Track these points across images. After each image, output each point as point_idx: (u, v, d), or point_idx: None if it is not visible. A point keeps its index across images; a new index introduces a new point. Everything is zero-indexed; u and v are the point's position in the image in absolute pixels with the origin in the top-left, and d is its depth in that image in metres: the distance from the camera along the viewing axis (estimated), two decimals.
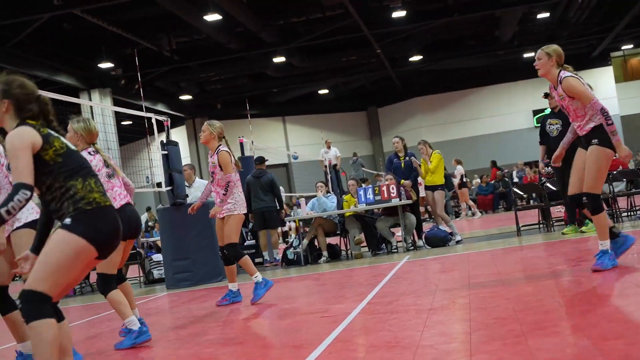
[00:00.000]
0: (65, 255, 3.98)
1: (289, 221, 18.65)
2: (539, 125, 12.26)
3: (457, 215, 26.02)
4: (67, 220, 4.03)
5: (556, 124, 11.36)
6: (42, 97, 4.36)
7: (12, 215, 3.91)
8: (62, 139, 4.26)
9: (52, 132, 4.23)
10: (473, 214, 24.82)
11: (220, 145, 8.44)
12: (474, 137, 37.71)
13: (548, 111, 11.87)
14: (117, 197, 6.66)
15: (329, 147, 24.87)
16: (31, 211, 5.66)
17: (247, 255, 8.43)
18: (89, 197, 4.09)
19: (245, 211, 8.50)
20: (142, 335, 6.25)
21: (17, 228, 5.59)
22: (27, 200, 3.93)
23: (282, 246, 16.08)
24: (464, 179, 24.49)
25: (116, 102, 27.52)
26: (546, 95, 11.57)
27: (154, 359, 5.66)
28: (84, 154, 6.47)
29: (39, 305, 3.95)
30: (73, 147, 4.27)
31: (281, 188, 15.99)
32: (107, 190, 6.40)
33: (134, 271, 16.87)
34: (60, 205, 4.09)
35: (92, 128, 6.83)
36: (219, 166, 8.34)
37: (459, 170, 24.17)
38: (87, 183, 4.14)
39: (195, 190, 13.05)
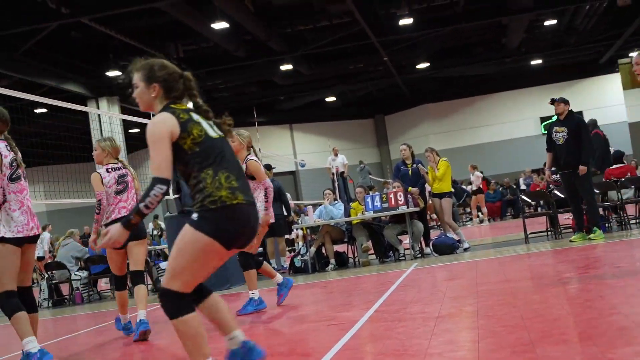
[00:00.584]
0: (194, 254, 3.96)
1: (296, 229, 18.64)
2: (546, 132, 12.24)
3: (470, 220, 26.03)
4: (194, 216, 3.99)
5: (562, 131, 11.34)
6: (185, 74, 4.32)
7: (150, 209, 3.89)
8: (203, 124, 4.17)
9: (193, 117, 4.16)
10: (481, 221, 24.79)
11: (249, 154, 8.44)
12: (481, 145, 37.67)
13: (555, 118, 11.86)
14: (119, 210, 7.41)
15: (336, 155, 24.85)
16: None
17: (254, 271, 8.40)
18: (216, 195, 3.96)
19: (272, 220, 8.40)
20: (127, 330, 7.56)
21: None
22: (164, 194, 3.91)
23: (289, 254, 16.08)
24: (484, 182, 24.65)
25: (124, 110, 27.60)
26: (552, 102, 11.57)
27: None
28: (102, 170, 7.56)
29: (177, 303, 3.98)
30: (212, 134, 4.16)
31: (288, 195, 15.99)
32: (112, 205, 7.44)
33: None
34: (194, 195, 4.05)
35: (117, 145, 7.85)
36: (247, 176, 8.28)
37: (477, 175, 24.20)
38: (217, 178, 4.01)
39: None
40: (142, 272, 7.63)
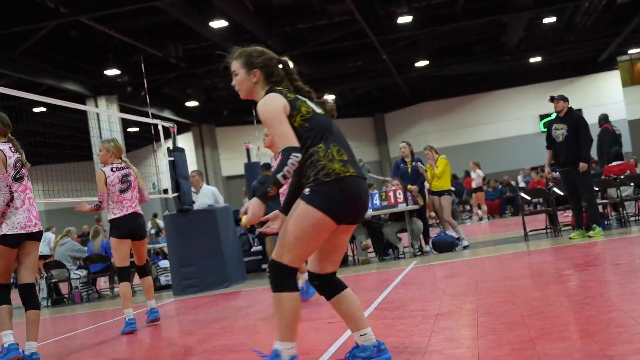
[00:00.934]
0: (305, 229, 3.95)
1: None
2: (546, 130, 12.24)
3: (469, 217, 26.05)
4: (306, 191, 3.99)
5: (561, 128, 11.34)
6: (283, 59, 4.36)
7: (287, 179, 3.91)
8: (308, 102, 4.21)
9: (299, 97, 4.20)
10: (480, 219, 24.80)
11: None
12: (480, 143, 37.65)
13: (554, 116, 11.85)
14: (125, 208, 8.01)
15: None
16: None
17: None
18: (329, 167, 3.97)
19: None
20: (128, 326, 7.79)
21: None
22: (299, 162, 3.92)
23: None
24: (484, 182, 24.67)
25: (123, 109, 27.58)
26: (552, 99, 11.56)
27: None
28: (107, 169, 8.06)
29: (283, 278, 3.98)
30: (319, 111, 4.20)
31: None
32: (117, 203, 7.98)
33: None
34: (304, 171, 4.05)
35: (120, 145, 8.38)
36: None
37: (479, 173, 24.21)
38: (330, 151, 4.02)
39: (203, 197, 13.06)
40: (146, 266, 8.43)
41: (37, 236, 6.41)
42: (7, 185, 6.21)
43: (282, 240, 4.02)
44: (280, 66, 4.32)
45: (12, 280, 7.02)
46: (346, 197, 3.98)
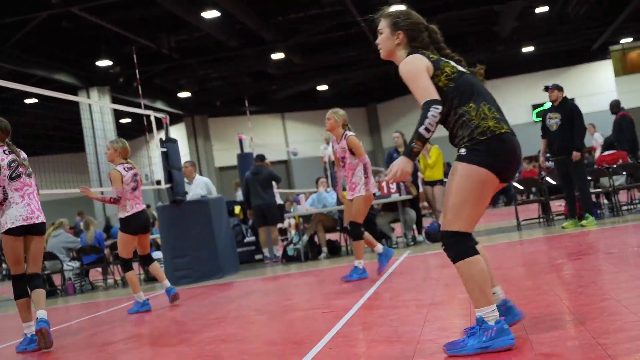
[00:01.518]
0: (471, 189, 3.91)
1: (289, 217, 18.63)
2: (539, 119, 12.26)
3: None
4: (462, 151, 3.95)
5: (556, 118, 11.35)
6: (431, 27, 4.35)
7: (431, 132, 3.88)
8: (452, 62, 4.18)
9: (442, 58, 4.18)
10: None
11: (345, 131, 8.84)
12: None
13: (548, 105, 11.86)
14: (135, 205, 8.72)
15: (328, 143, 24.82)
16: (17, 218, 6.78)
17: (363, 241, 8.88)
18: (483, 125, 3.94)
19: (375, 191, 8.89)
20: (144, 306, 8.72)
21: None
22: (440, 114, 3.90)
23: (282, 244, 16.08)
24: None
25: (115, 100, 27.51)
26: (546, 89, 11.57)
27: (155, 356, 5.65)
28: (121, 168, 8.72)
29: (460, 246, 3.95)
30: (463, 70, 4.18)
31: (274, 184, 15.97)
32: (129, 200, 8.66)
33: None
34: (455, 132, 4.01)
35: (127, 146, 9.02)
36: (349, 151, 8.75)
37: None
38: (481, 110, 3.98)
39: (196, 188, 13.05)
40: (150, 254, 9.21)
41: (39, 228, 6.90)
42: (1, 186, 6.74)
43: (448, 208, 3.96)
44: (427, 33, 4.30)
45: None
46: (504, 152, 3.95)
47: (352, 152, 8.71)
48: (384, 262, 8.92)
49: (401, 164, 3.99)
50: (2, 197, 6.75)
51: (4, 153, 6.85)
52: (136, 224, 8.78)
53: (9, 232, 6.74)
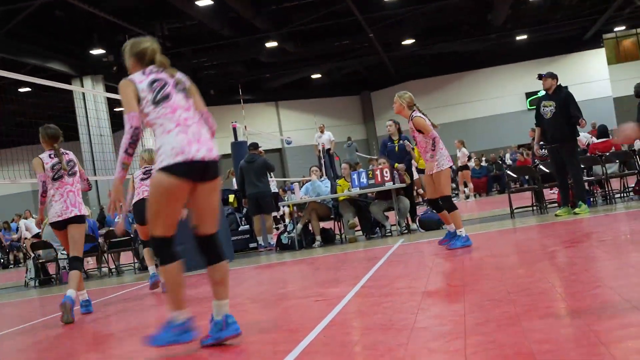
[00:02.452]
0: None
1: (283, 206, 18.65)
2: (533, 107, 12.27)
3: (456, 195, 26.10)
4: None
5: (550, 105, 11.37)
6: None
7: None
8: None
9: None
10: (467, 197, 24.87)
11: (413, 112, 9.24)
12: (467, 120, 37.72)
13: (542, 93, 11.87)
14: (143, 193, 9.39)
15: (322, 132, 24.83)
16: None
17: (457, 210, 9.16)
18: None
19: (451, 164, 9.25)
20: (152, 278, 9.54)
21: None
22: None
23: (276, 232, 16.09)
24: (471, 161, 24.77)
25: (108, 89, 27.47)
26: (540, 77, 11.58)
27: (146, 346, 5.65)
28: (138, 173, 9.78)
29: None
30: None
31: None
32: (141, 187, 9.52)
33: (128, 257, 16.86)
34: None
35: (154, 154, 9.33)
36: (416, 131, 9.17)
37: (463, 152, 24.26)
38: None
39: None
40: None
41: (75, 219, 7.97)
42: (43, 181, 7.88)
43: None
44: None
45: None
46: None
47: (420, 131, 9.10)
48: (454, 243, 8.96)
49: (630, 130, 4.10)
50: (41, 190, 7.90)
51: (49, 157, 8.03)
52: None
53: (51, 225, 8.02)
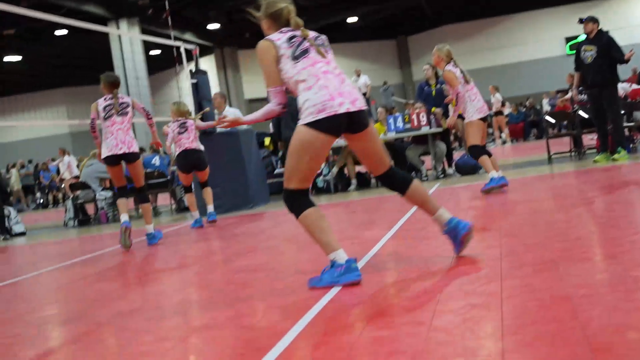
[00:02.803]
0: None
1: None
2: (572, 52, 12.08)
3: (492, 141, 25.93)
4: None
5: (591, 50, 11.18)
6: None
7: None
8: None
9: None
10: (504, 142, 24.69)
11: (447, 64, 9.38)
12: (505, 65, 37.24)
13: (583, 37, 11.66)
14: (184, 145, 10.50)
15: (358, 76, 24.68)
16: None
17: (486, 155, 9.44)
18: None
19: (481, 116, 9.45)
20: (197, 223, 10.57)
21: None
22: None
23: None
24: (505, 106, 24.54)
25: (144, 32, 27.46)
26: (581, 21, 11.37)
27: (186, 282, 5.74)
28: (174, 126, 10.61)
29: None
30: None
31: None
32: (180, 140, 10.52)
33: (165, 199, 17.05)
34: None
35: (183, 109, 10.79)
36: (448, 84, 9.48)
37: (497, 97, 24.02)
38: None
39: None
40: (207, 182, 10.92)
41: (127, 156, 8.69)
42: (92, 118, 8.68)
43: None
44: None
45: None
46: None
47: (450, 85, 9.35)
48: (486, 185, 9.14)
49: None
50: (90, 128, 8.74)
51: (104, 100, 8.77)
52: (182, 162, 10.72)
53: (104, 160, 8.71)
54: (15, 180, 29.05)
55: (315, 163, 4.59)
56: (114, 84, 8.88)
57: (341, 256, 4.45)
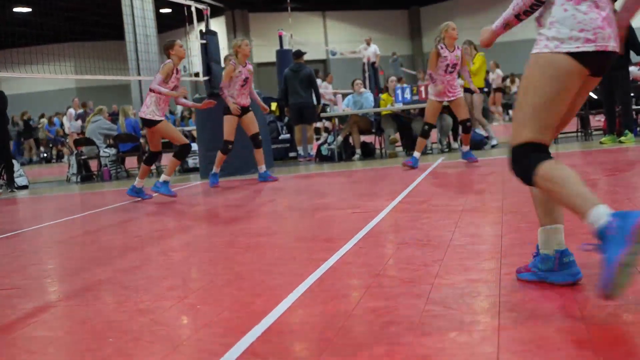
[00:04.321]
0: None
1: (325, 120, 18.59)
2: None
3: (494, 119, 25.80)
4: None
5: None
6: None
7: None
8: None
9: None
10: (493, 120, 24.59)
11: (438, 44, 10.08)
12: (515, 42, 36.93)
13: None
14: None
15: (368, 44, 24.55)
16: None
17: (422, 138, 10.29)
18: None
19: (438, 99, 10.17)
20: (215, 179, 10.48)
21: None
22: None
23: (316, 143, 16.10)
24: (507, 81, 24.36)
25: None
26: None
27: (190, 244, 5.75)
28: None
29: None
30: None
31: (319, 81, 15.88)
32: (240, 96, 10.40)
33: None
34: None
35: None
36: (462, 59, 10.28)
37: (498, 73, 23.85)
38: None
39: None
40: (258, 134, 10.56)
41: (144, 122, 9.19)
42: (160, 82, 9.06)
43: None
44: None
45: None
46: None
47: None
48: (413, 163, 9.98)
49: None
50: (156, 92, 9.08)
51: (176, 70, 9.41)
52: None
53: (147, 124, 9.13)
54: (42, 131, 29.66)
55: (562, 104, 3.19)
56: (165, 48, 9.46)
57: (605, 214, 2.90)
